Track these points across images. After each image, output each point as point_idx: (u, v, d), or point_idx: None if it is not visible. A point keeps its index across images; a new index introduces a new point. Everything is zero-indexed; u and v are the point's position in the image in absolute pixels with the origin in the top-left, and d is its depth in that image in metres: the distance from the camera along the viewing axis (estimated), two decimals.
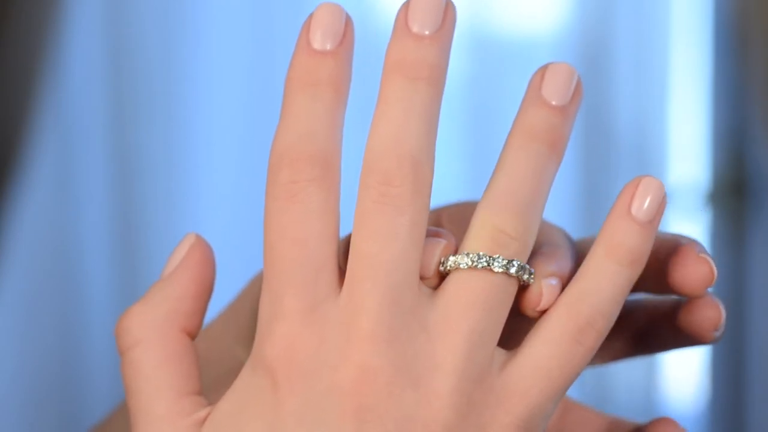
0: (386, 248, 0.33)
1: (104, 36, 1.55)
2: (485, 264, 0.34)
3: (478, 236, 0.34)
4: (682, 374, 1.68)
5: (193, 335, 0.37)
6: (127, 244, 1.57)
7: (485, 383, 0.34)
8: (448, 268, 0.34)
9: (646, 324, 0.42)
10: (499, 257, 0.34)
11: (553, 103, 0.35)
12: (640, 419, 0.42)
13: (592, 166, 1.63)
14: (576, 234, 0.42)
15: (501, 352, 0.35)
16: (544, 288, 0.35)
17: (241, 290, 0.44)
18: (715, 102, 1.66)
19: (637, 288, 0.39)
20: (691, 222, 1.67)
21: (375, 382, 0.33)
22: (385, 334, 0.33)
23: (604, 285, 0.35)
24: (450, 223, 0.40)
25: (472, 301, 0.34)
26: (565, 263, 0.37)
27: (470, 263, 0.34)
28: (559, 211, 1.60)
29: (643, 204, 0.36)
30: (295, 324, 0.33)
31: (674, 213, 1.66)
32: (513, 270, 0.34)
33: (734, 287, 1.67)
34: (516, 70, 1.60)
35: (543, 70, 0.36)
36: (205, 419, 0.35)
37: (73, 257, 1.56)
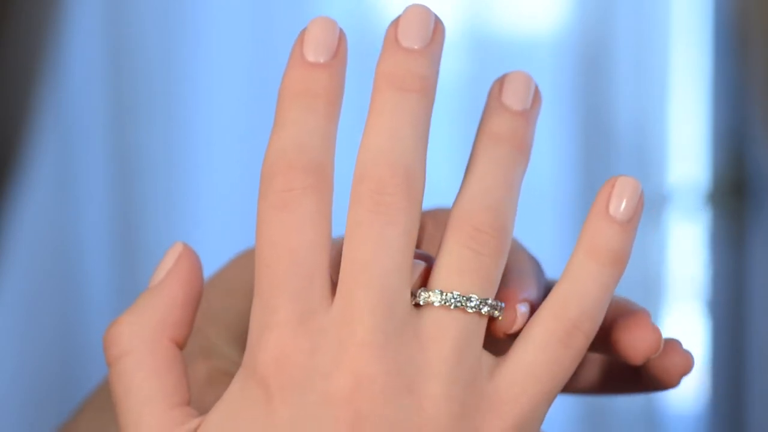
0: (380, 256, 0.33)
1: (104, 36, 1.55)
2: (442, 301, 0.34)
3: (452, 257, 0.34)
4: None
5: (181, 345, 0.36)
6: (126, 243, 1.57)
7: (476, 388, 0.34)
8: (421, 303, 0.34)
9: (611, 364, 0.42)
10: (473, 297, 0.34)
11: (515, 108, 0.36)
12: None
13: (592, 166, 1.63)
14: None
15: (489, 357, 0.35)
16: (518, 314, 0.36)
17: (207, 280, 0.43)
18: (715, 102, 1.66)
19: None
20: (691, 222, 1.67)
21: (370, 390, 0.33)
22: (380, 341, 0.33)
23: (588, 287, 0.35)
24: (436, 228, 0.40)
25: (451, 333, 0.34)
26: (533, 290, 0.37)
27: (443, 302, 0.34)
28: (560, 211, 1.60)
29: (620, 204, 0.36)
30: (288, 333, 0.33)
31: (674, 213, 1.66)
32: (485, 310, 0.34)
33: (734, 287, 1.67)
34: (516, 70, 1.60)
35: (501, 79, 0.37)
36: (195, 430, 0.35)
37: (73, 257, 1.56)
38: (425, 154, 0.35)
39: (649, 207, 1.64)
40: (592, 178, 1.63)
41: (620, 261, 0.36)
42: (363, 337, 0.33)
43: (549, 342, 0.35)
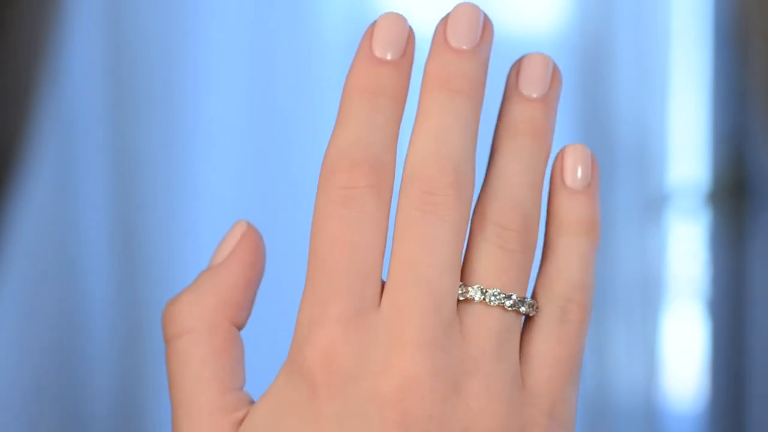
0: (428, 254, 0.33)
1: (104, 36, 1.55)
2: (482, 298, 0.34)
3: (483, 254, 0.34)
4: (682, 374, 1.68)
5: (240, 327, 0.36)
6: (126, 243, 1.57)
7: (517, 383, 0.34)
8: (460, 298, 0.34)
9: None
10: (512, 296, 0.34)
11: (533, 95, 0.36)
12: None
13: None
14: None
15: None
16: None
17: None
18: (715, 102, 1.66)
19: None
20: (691, 222, 1.67)
21: (417, 389, 0.32)
22: (427, 340, 0.33)
23: (566, 259, 0.35)
24: None
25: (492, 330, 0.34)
26: None
27: (483, 299, 0.34)
28: None
29: (575, 173, 0.36)
30: (338, 330, 0.33)
31: (674, 213, 1.66)
32: (522, 309, 0.34)
33: (734, 287, 1.67)
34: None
35: (518, 63, 0.37)
36: (243, 419, 0.34)
37: (73, 257, 1.56)
38: (474, 155, 0.35)
39: (649, 207, 1.64)
40: None
41: (592, 228, 0.36)
42: (411, 335, 0.33)
43: (549, 322, 0.35)
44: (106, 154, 1.56)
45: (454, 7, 0.36)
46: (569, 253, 0.35)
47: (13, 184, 1.37)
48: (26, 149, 1.38)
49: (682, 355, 1.68)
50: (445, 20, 0.36)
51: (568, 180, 0.36)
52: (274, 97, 1.58)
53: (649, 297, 1.65)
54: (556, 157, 0.37)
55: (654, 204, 1.65)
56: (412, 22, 0.36)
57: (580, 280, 0.35)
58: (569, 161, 0.36)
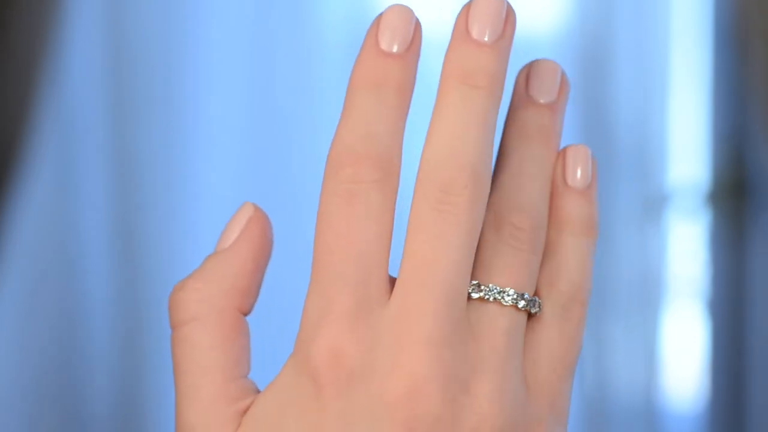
0: (443, 254, 0.33)
1: (104, 36, 1.55)
2: (496, 297, 0.34)
3: (491, 252, 0.34)
4: (682, 374, 1.68)
5: (246, 313, 0.35)
6: (126, 243, 1.57)
7: (523, 381, 0.34)
8: (473, 296, 0.34)
9: None
10: (525, 295, 0.34)
11: (541, 101, 0.36)
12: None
13: None
14: None
15: None
16: None
17: None
18: (715, 102, 1.66)
19: None
20: (691, 222, 1.67)
21: (426, 391, 0.32)
22: (437, 340, 0.32)
23: (569, 258, 0.35)
24: None
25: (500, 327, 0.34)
26: None
27: (481, 296, 0.34)
28: None
29: (575, 172, 0.36)
30: (344, 326, 0.32)
31: (674, 213, 1.66)
32: (521, 305, 0.34)
33: (734, 287, 1.67)
34: (516, 70, 1.59)
35: (527, 68, 0.37)
36: (245, 410, 0.34)
37: (73, 257, 1.56)
38: (491, 153, 0.34)
39: (649, 207, 1.64)
40: None
41: (592, 228, 0.36)
42: (420, 335, 0.32)
43: (552, 320, 0.35)
44: (106, 154, 1.56)
45: None
46: (572, 252, 0.35)
47: (13, 184, 1.37)
48: (26, 149, 1.38)
49: (682, 355, 1.68)
50: (467, 8, 0.35)
51: (570, 180, 0.36)
52: (274, 97, 1.58)
53: (649, 297, 1.65)
54: (558, 157, 0.36)
55: (654, 204, 1.65)
56: (418, 15, 0.36)
57: (581, 279, 0.35)
58: (571, 161, 0.36)
